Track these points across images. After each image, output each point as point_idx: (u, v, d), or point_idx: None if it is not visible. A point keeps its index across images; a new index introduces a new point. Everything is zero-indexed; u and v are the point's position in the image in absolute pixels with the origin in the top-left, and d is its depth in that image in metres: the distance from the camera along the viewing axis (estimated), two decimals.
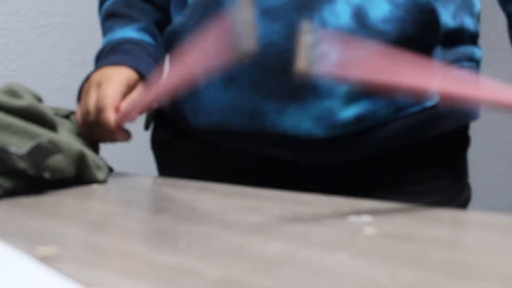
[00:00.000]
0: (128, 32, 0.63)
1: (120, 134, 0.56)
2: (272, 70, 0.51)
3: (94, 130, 0.57)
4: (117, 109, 0.55)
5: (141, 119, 0.72)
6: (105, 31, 0.66)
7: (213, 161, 0.62)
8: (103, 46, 0.64)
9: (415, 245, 0.27)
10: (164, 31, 0.63)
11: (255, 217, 0.34)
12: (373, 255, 0.25)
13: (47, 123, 0.47)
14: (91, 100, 0.56)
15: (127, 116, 0.53)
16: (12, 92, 0.46)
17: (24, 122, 0.45)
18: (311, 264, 0.24)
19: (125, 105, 0.55)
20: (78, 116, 0.58)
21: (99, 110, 0.55)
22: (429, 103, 0.54)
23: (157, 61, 0.63)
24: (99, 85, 0.57)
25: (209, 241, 0.28)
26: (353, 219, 0.33)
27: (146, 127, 0.68)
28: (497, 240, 0.29)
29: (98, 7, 0.71)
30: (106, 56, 0.62)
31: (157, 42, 0.65)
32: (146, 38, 0.64)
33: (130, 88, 0.58)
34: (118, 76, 0.57)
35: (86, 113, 0.57)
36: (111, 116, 0.54)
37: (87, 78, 0.60)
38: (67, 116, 0.60)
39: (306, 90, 0.51)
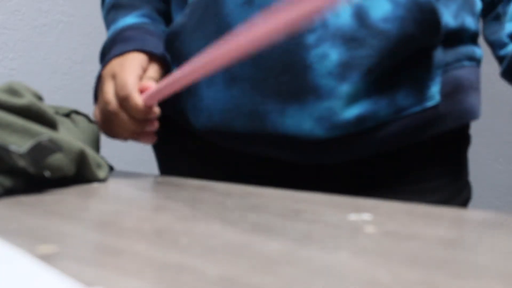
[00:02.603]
0: (129, 19, 0.63)
1: (150, 114, 0.54)
2: (272, 70, 0.51)
3: (116, 123, 0.56)
4: (140, 91, 0.54)
5: None
6: (109, 23, 0.66)
7: (214, 161, 0.62)
8: (106, 39, 0.63)
9: (415, 243, 0.27)
10: (166, 28, 0.63)
11: (256, 216, 0.34)
12: (374, 253, 0.25)
13: (47, 121, 0.47)
14: (109, 91, 0.55)
15: (154, 97, 0.52)
16: (12, 91, 0.46)
17: (24, 120, 0.45)
18: (312, 262, 0.24)
19: (150, 86, 0.54)
20: (96, 114, 0.57)
21: (124, 98, 0.53)
22: (429, 103, 0.54)
23: (159, 37, 0.62)
24: (113, 76, 0.56)
25: (209, 239, 0.28)
26: (353, 217, 0.33)
27: None
28: (498, 239, 0.29)
29: (100, 2, 0.71)
30: (110, 48, 0.61)
31: (157, 23, 0.64)
32: (146, 21, 0.63)
33: (144, 70, 0.57)
34: (130, 62, 0.56)
35: (105, 105, 0.55)
36: (138, 99, 0.53)
37: (99, 77, 0.59)
38: (68, 114, 0.60)
39: (307, 90, 0.51)
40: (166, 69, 0.60)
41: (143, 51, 0.58)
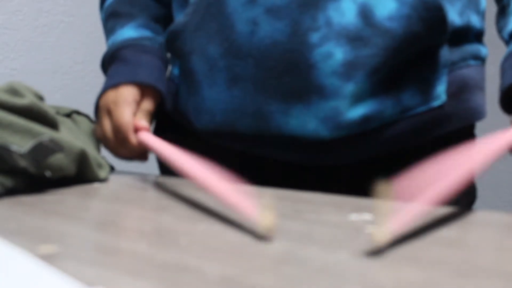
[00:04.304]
0: (127, 31, 0.64)
1: (145, 149, 0.58)
2: (276, 70, 0.51)
3: (115, 151, 0.60)
4: (135, 129, 0.57)
5: None
6: (108, 32, 0.67)
7: (216, 161, 0.61)
8: (106, 52, 0.64)
9: (417, 243, 0.27)
10: (167, 29, 0.63)
11: None
12: (375, 253, 0.25)
13: (48, 121, 0.47)
14: (106, 128, 0.59)
15: (148, 145, 0.55)
16: (13, 91, 0.46)
17: (25, 120, 0.45)
18: (312, 262, 0.24)
19: (145, 127, 0.57)
20: (97, 136, 0.61)
21: (122, 140, 0.57)
22: (435, 103, 0.53)
23: (156, 54, 0.63)
24: (109, 112, 0.59)
25: (210, 239, 0.28)
26: (354, 217, 0.33)
27: None
28: (499, 238, 0.29)
29: (99, 6, 0.71)
30: (108, 67, 0.63)
31: (155, 35, 0.65)
32: (144, 33, 0.64)
33: (138, 103, 0.60)
34: (123, 98, 0.58)
35: (105, 140, 0.59)
36: (134, 141, 0.57)
37: (97, 105, 0.62)
38: (69, 115, 0.60)
39: (311, 90, 0.50)
40: (159, 96, 0.62)
41: (135, 83, 0.59)
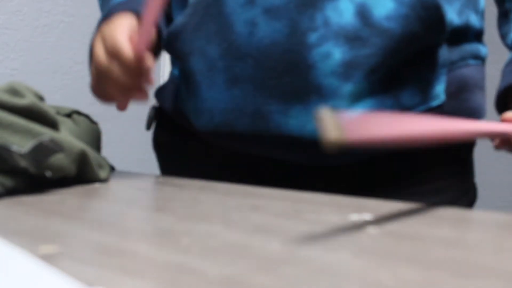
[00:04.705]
0: None
1: (142, 64, 0.52)
2: (275, 70, 0.51)
3: (109, 81, 0.54)
4: (134, 52, 0.52)
5: (143, 119, 0.72)
6: (103, 6, 0.64)
7: (215, 161, 0.61)
8: (100, 17, 0.60)
9: (417, 243, 0.27)
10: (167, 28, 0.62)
11: (257, 216, 0.34)
12: (375, 254, 0.25)
13: (48, 122, 0.47)
14: (99, 51, 0.54)
15: (143, 39, 0.51)
16: (13, 91, 0.46)
17: (25, 121, 0.45)
18: (313, 262, 0.24)
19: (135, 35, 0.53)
20: (92, 73, 0.56)
21: (114, 51, 0.52)
22: (434, 103, 0.53)
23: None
24: (104, 39, 0.55)
25: (210, 239, 0.28)
26: (354, 217, 0.33)
27: (148, 127, 0.68)
28: (500, 238, 0.29)
29: None
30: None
31: None
32: None
33: (134, 32, 0.55)
34: (119, 24, 0.54)
35: (97, 62, 0.54)
36: (129, 50, 0.51)
37: (91, 48, 0.58)
38: (69, 115, 0.60)
39: (310, 90, 0.50)
40: (157, 32, 0.58)
41: (132, 12, 0.56)
